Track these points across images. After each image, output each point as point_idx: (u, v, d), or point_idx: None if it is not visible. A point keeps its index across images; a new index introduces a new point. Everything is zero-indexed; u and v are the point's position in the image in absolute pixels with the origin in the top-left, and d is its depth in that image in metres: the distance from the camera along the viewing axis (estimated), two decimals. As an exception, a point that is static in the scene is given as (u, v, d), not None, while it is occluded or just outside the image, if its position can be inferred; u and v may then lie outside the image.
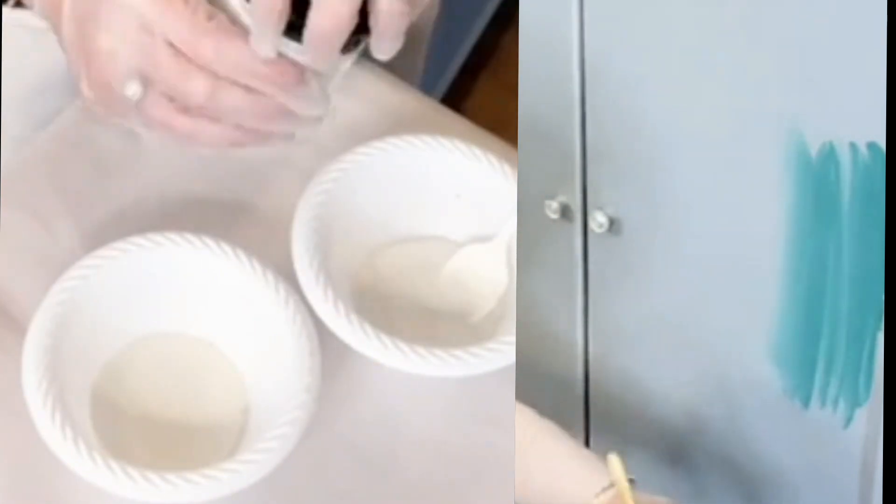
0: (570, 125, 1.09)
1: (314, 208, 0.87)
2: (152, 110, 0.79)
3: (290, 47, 0.77)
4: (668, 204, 1.07)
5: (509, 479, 0.86)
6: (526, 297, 0.93)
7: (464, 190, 0.92)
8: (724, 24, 0.97)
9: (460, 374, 0.83)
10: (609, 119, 1.07)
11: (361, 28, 0.76)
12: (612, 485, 0.86)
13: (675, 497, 0.90)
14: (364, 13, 0.76)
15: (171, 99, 0.79)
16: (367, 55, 0.80)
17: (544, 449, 0.91)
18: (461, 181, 0.92)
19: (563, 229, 1.13)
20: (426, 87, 1.27)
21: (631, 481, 0.86)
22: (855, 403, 1.03)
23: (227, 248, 0.85)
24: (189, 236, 0.85)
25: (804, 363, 1.04)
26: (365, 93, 1.01)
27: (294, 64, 0.78)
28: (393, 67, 1.07)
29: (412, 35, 1.22)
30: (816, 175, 0.97)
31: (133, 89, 0.78)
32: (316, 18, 0.75)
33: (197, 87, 0.77)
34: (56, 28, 0.83)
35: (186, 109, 0.79)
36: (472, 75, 1.94)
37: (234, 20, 0.77)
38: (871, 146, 0.93)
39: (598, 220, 1.10)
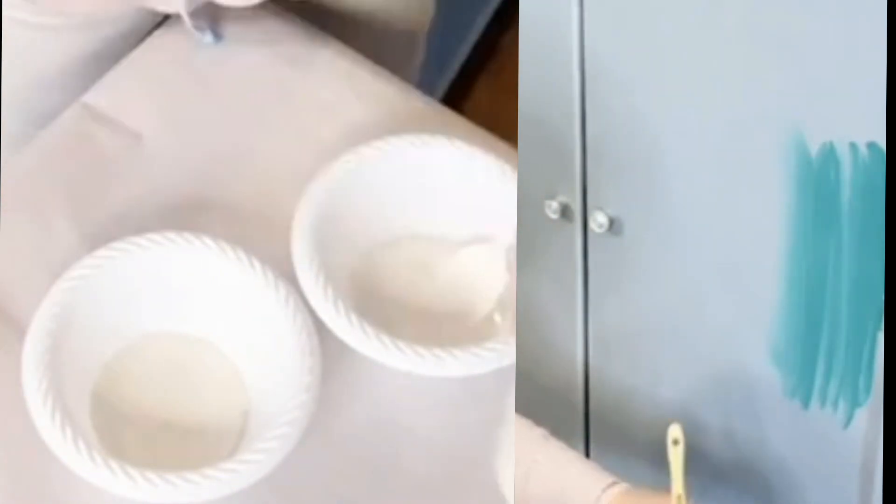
0: (570, 125, 1.09)
1: (314, 208, 0.87)
2: None
3: None
4: (668, 204, 1.07)
5: (509, 479, 0.86)
6: (525, 297, 0.93)
7: (464, 190, 0.92)
8: (725, 24, 0.97)
9: (460, 374, 0.83)
10: (609, 119, 1.07)
11: None
12: (615, 482, 0.86)
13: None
14: None
15: None
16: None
17: (544, 457, 0.91)
18: (461, 181, 0.92)
19: (563, 229, 1.13)
20: (426, 87, 1.27)
21: None
22: (855, 403, 1.03)
23: (227, 247, 0.85)
24: (189, 236, 0.85)
25: (804, 363, 1.04)
26: (365, 93, 1.01)
27: None
28: (390, 65, 1.07)
29: (408, 32, 1.23)
30: (816, 175, 0.97)
31: None
32: None
33: None
34: None
35: None
36: (472, 75, 1.94)
37: None
38: (871, 146, 0.93)
39: (598, 220, 1.10)
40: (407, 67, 1.25)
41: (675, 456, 0.87)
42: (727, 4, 0.96)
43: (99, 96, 0.99)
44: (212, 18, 1.01)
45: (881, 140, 0.92)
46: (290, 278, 0.84)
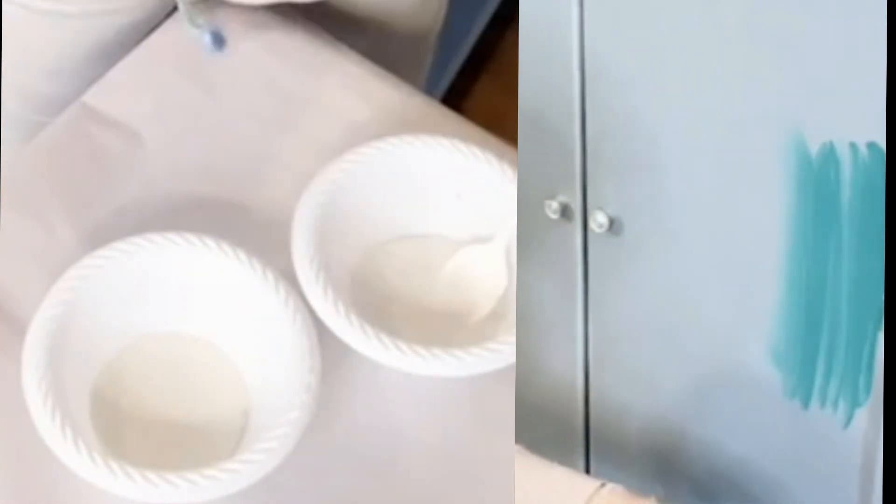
0: (570, 125, 1.08)
1: (314, 208, 0.87)
2: None
3: None
4: (668, 204, 1.07)
5: (509, 479, 0.86)
6: (525, 297, 0.93)
7: (464, 190, 0.92)
8: (725, 23, 0.97)
9: (460, 374, 0.83)
10: (609, 119, 1.07)
11: None
12: (604, 484, 0.86)
13: (675, 497, 0.90)
14: None
15: None
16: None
17: (527, 466, 0.91)
18: (461, 181, 0.92)
19: (563, 229, 1.13)
20: (426, 87, 1.27)
21: None
22: (855, 403, 1.03)
23: (227, 248, 0.85)
24: (189, 236, 0.85)
25: (804, 363, 1.04)
26: (365, 93, 1.01)
27: None
28: (401, 67, 1.07)
29: (421, 35, 1.23)
30: (816, 175, 0.97)
31: None
32: None
33: None
34: None
35: None
36: (472, 75, 1.94)
37: None
38: (871, 146, 0.93)
39: (598, 220, 1.10)
40: (417, 69, 1.26)
41: None
42: (727, 4, 0.96)
43: (99, 96, 0.99)
44: (212, 20, 1.01)
45: (881, 140, 0.92)
46: (290, 278, 0.84)
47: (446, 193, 0.92)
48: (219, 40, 0.98)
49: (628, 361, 1.16)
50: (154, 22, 1.04)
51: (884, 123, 0.91)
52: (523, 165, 1.01)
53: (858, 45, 0.91)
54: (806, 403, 1.06)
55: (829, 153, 0.96)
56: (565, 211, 1.12)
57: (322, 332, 0.83)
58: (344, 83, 1.00)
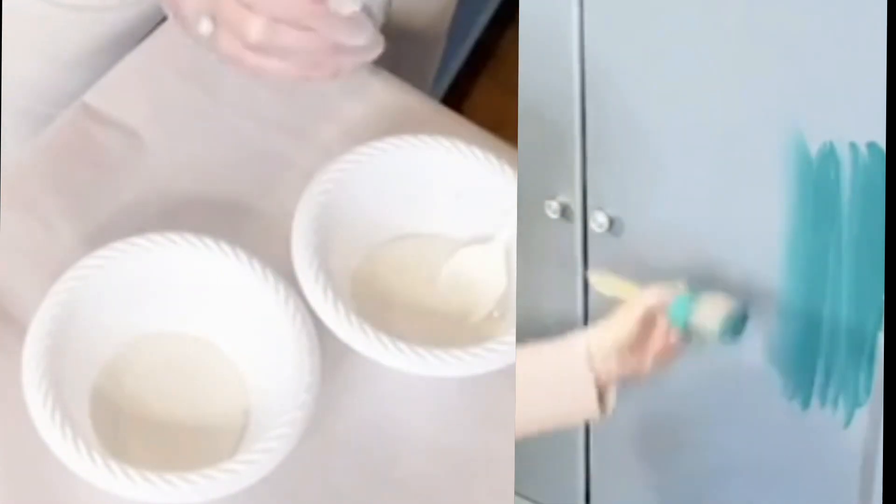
0: (570, 125, 1.09)
1: (314, 208, 0.87)
2: (223, 45, 0.88)
3: None
4: (668, 204, 1.07)
5: (509, 479, 0.86)
6: (525, 297, 0.93)
7: (464, 190, 0.92)
8: (725, 24, 0.97)
9: (460, 374, 0.83)
10: (609, 119, 1.07)
11: None
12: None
13: (675, 497, 0.90)
14: None
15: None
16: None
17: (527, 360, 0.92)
18: (461, 181, 0.92)
19: (563, 229, 1.13)
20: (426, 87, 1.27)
21: None
22: (855, 403, 1.03)
23: (227, 248, 0.85)
24: (189, 236, 0.85)
25: (804, 364, 1.04)
26: (365, 93, 1.01)
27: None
28: (408, 69, 1.07)
29: (430, 38, 1.23)
30: (816, 175, 0.97)
31: (204, 26, 0.87)
32: None
33: (253, 28, 0.85)
34: None
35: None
36: (472, 75, 1.94)
37: None
38: (871, 146, 0.93)
39: (598, 220, 1.10)
40: (424, 70, 1.26)
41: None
42: (727, 4, 0.96)
43: (99, 96, 0.99)
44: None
45: (881, 140, 0.92)
46: (290, 279, 0.84)
47: (446, 193, 0.92)
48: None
49: (628, 361, 1.16)
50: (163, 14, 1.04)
51: (884, 123, 0.91)
52: (523, 165, 1.01)
53: (858, 45, 0.91)
54: (806, 403, 1.06)
55: (829, 153, 0.96)
56: (565, 211, 1.12)
57: (322, 332, 0.83)
58: (344, 83, 1.00)
